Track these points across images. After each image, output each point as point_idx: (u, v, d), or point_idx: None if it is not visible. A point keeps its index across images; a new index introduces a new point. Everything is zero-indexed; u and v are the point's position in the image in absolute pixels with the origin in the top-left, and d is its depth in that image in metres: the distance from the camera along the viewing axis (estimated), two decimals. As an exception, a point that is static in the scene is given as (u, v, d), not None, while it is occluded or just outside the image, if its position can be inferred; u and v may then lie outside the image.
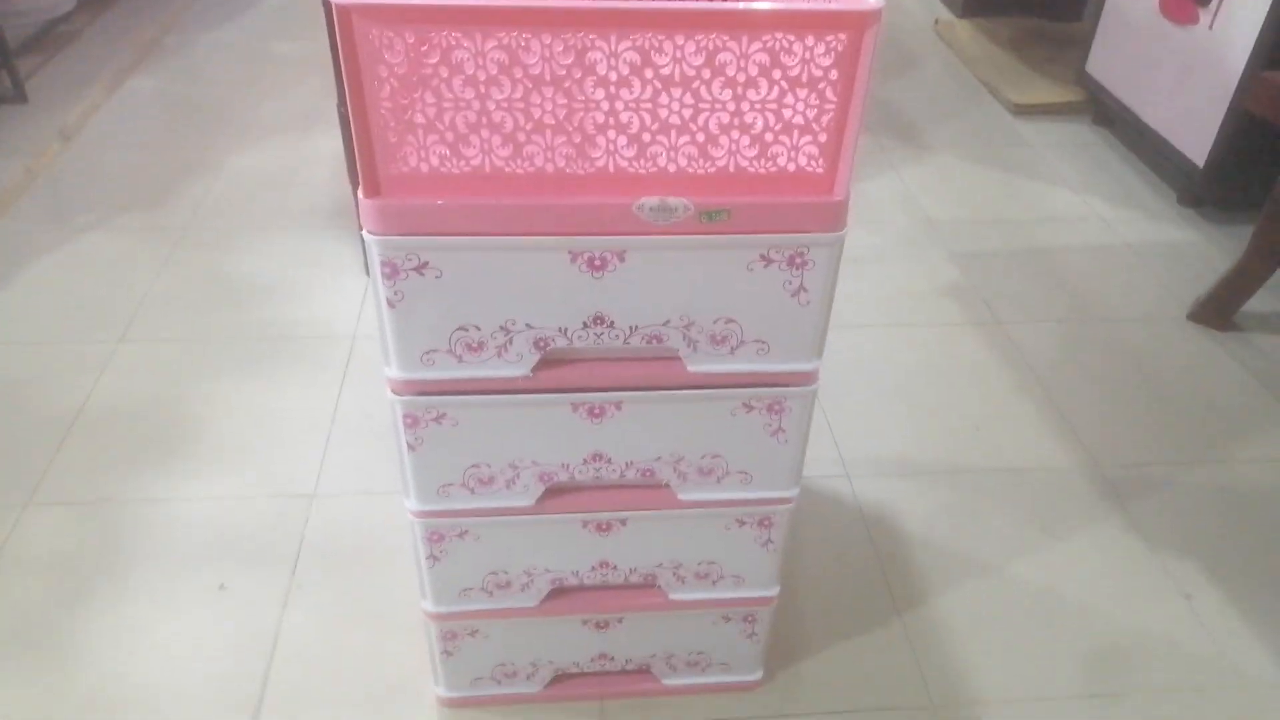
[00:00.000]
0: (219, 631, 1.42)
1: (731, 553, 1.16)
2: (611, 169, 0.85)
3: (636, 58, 0.80)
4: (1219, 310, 2.10)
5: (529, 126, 0.82)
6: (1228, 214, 2.51)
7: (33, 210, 2.39)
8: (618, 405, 1.01)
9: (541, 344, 0.95)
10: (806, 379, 1.01)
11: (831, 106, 0.83)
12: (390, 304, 0.92)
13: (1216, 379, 1.97)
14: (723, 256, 0.91)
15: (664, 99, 0.82)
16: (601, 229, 0.88)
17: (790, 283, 0.93)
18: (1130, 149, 2.85)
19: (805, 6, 0.85)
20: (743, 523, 1.13)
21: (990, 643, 1.44)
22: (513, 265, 0.90)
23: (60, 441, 1.72)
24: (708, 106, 0.83)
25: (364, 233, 0.88)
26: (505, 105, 0.81)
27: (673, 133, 0.84)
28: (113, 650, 1.39)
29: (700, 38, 0.79)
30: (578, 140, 0.84)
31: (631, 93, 0.81)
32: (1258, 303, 2.10)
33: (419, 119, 0.81)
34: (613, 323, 0.94)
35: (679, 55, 0.80)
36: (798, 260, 0.92)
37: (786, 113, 0.84)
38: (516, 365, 0.96)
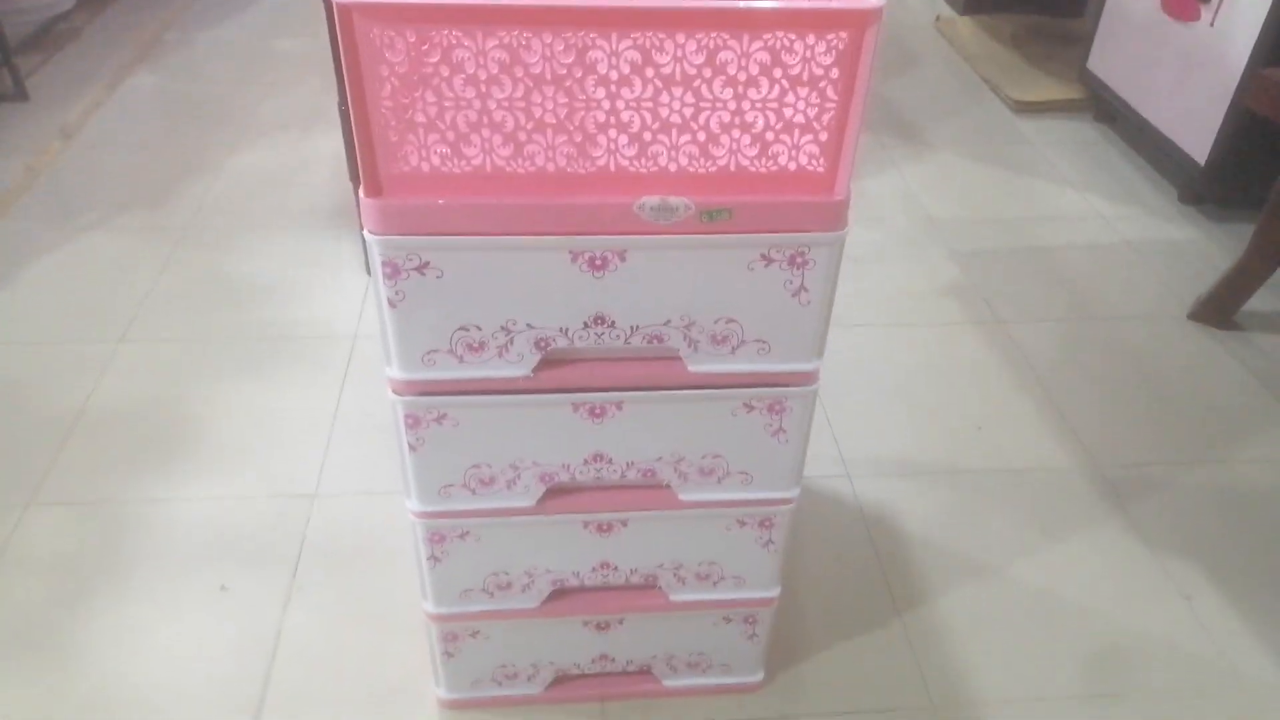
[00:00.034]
0: (220, 632, 1.42)
1: (732, 553, 1.16)
2: (612, 168, 0.85)
3: (637, 56, 0.79)
4: (1220, 309, 2.10)
5: (530, 126, 0.82)
6: (1229, 212, 2.51)
7: (34, 209, 2.39)
8: (618, 405, 1.00)
9: (542, 344, 0.95)
10: (807, 379, 1.01)
11: (832, 105, 0.83)
12: (391, 304, 0.91)
13: (1217, 379, 1.97)
14: (723, 256, 0.91)
15: (665, 98, 0.82)
16: (602, 228, 0.88)
17: (791, 282, 0.93)
18: (1131, 146, 2.84)
19: (806, 5, 0.85)
20: (743, 523, 1.13)
21: (990, 643, 1.44)
22: (514, 265, 0.90)
23: (61, 442, 1.72)
24: (709, 105, 0.83)
25: (365, 232, 0.88)
26: (506, 104, 0.81)
27: (674, 132, 0.84)
28: (114, 651, 1.39)
29: (701, 36, 0.79)
30: (579, 139, 0.83)
31: (632, 92, 0.81)
32: (1259, 302, 2.10)
33: (420, 118, 0.81)
34: (613, 323, 0.94)
35: (680, 54, 0.80)
36: (798, 260, 0.92)
37: (787, 111, 0.84)
38: (517, 365, 0.96)
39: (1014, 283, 2.24)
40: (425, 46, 0.78)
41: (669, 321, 0.95)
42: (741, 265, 0.91)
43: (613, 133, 0.83)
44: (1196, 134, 2.42)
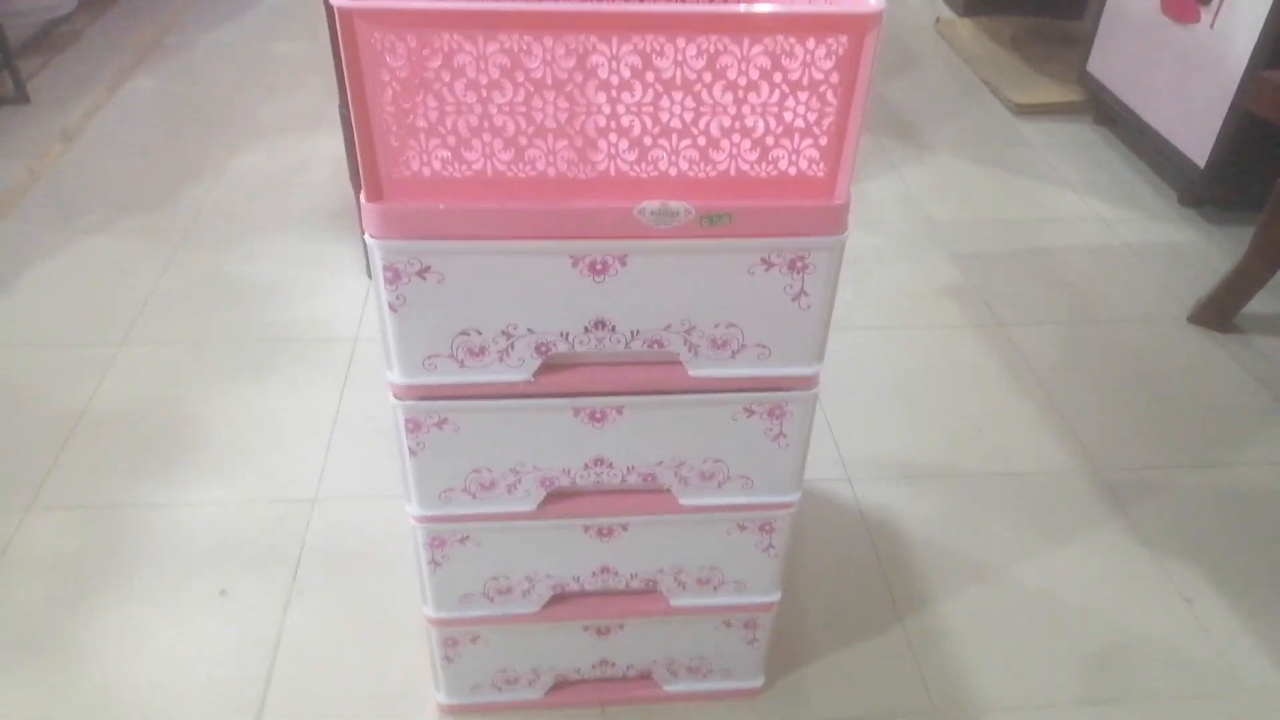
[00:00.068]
0: (221, 635, 1.42)
1: (733, 558, 1.16)
2: (613, 173, 0.85)
3: (638, 61, 0.79)
4: (1220, 312, 2.10)
5: (531, 130, 0.82)
6: (1229, 214, 2.51)
7: (34, 212, 2.39)
8: (619, 410, 1.00)
9: (543, 348, 0.95)
10: (807, 383, 1.01)
11: (832, 109, 0.83)
12: (392, 308, 0.91)
13: (1217, 381, 1.97)
14: (724, 260, 0.91)
15: (665, 102, 0.82)
16: (603, 233, 0.88)
17: (791, 286, 0.93)
18: (1131, 149, 2.85)
19: (806, 9, 0.85)
20: (744, 528, 1.13)
21: (991, 646, 1.44)
22: (514, 269, 0.90)
23: (62, 444, 1.72)
24: (709, 110, 0.83)
25: (366, 237, 0.88)
26: (507, 109, 0.81)
27: (674, 136, 0.84)
28: (115, 653, 1.39)
29: (701, 41, 0.79)
30: (579, 144, 0.83)
31: (633, 96, 0.81)
32: (1259, 304, 2.10)
33: (421, 123, 0.81)
34: (614, 327, 0.94)
35: (680, 58, 0.79)
36: (799, 264, 0.92)
37: (787, 116, 0.83)
38: (518, 370, 0.96)
39: (1014, 285, 2.24)
40: (426, 51, 0.78)
41: (669, 326, 0.95)
42: (742, 269, 0.91)
43: (613, 137, 0.83)
44: (1196, 136, 2.43)
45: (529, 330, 0.94)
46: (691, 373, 0.98)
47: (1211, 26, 2.36)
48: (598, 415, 1.01)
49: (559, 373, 0.97)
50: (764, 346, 0.97)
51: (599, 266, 0.90)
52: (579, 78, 0.80)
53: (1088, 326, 2.12)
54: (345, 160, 2.13)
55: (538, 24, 0.77)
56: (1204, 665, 1.42)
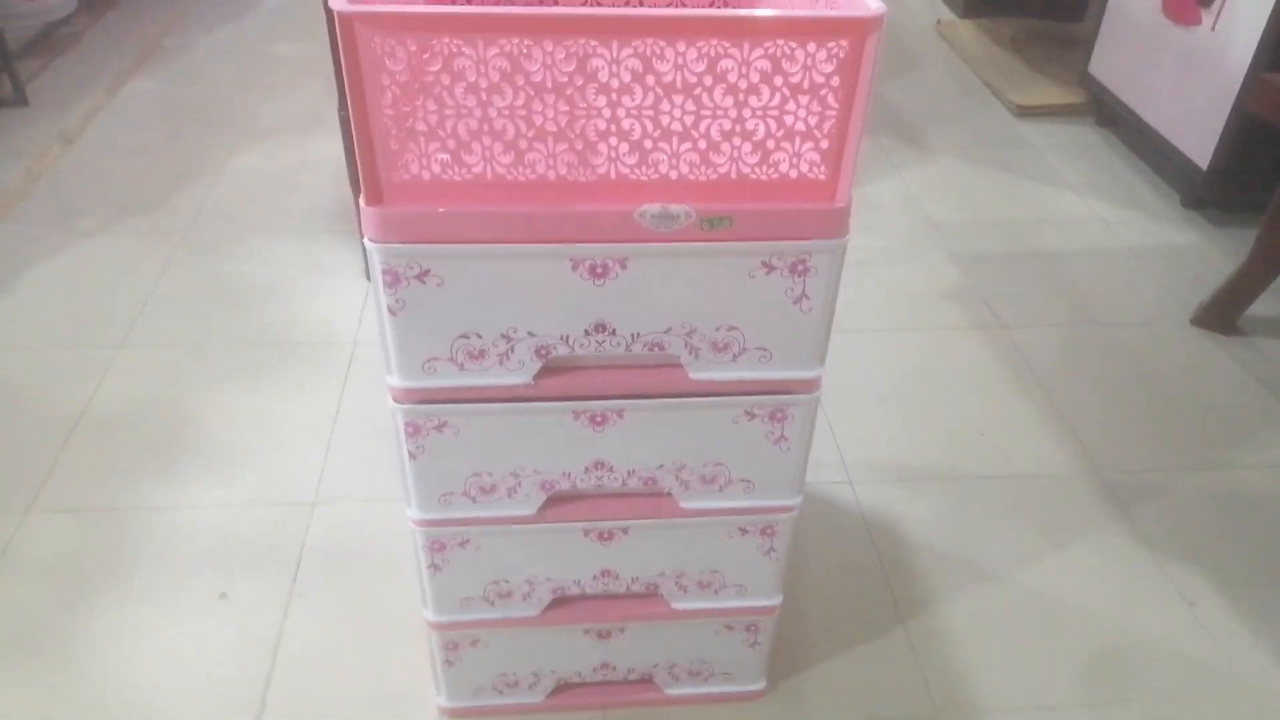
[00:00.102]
0: (221, 637, 1.42)
1: (734, 562, 1.16)
2: (613, 176, 0.85)
3: (638, 65, 0.79)
4: (1222, 314, 2.09)
5: (531, 134, 0.82)
6: (1231, 216, 2.51)
7: (34, 214, 2.39)
8: (619, 413, 1.00)
9: (543, 352, 0.95)
10: (809, 386, 1.00)
11: (833, 113, 0.83)
12: (392, 312, 0.91)
13: (1220, 383, 1.96)
14: (724, 264, 0.91)
15: (666, 106, 0.82)
16: (603, 236, 0.87)
17: (792, 290, 0.93)
18: (1133, 150, 2.84)
19: (807, 13, 0.85)
20: (745, 531, 1.13)
21: (993, 649, 1.44)
22: (514, 273, 0.89)
23: (62, 446, 1.71)
24: (709, 113, 0.82)
25: (365, 240, 0.88)
26: (507, 112, 0.81)
27: (674, 140, 0.84)
28: (115, 655, 1.38)
29: (702, 44, 0.79)
30: (579, 147, 0.83)
31: (633, 100, 0.81)
32: (1261, 306, 2.09)
33: (421, 126, 0.81)
34: (614, 330, 0.94)
35: (681, 62, 0.79)
36: (800, 267, 0.91)
37: (788, 119, 0.83)
38: (518, 373, 0.96)
39: (1015, 287, 2.24)
40: (426, 55, 0.77)
41: (670, 329, 0.94)
42: (742, 273, 0.91)
43: (613, 140, 0.83)
44: (1198, 138, 2.42)
45: (529, 333, 0.93)
46: (692, 376, 0.98)
47: (1213, 28, 2.36)
48: (598, 418, 1.00)
49: (559, 376, 0.97)
50: (765, 350, 0.97)
51: (599, 270, 0.89)
52: (579, 81, 0.80)
53: (1089, 328, 2.11)
54: (345, 162, 2.12)
55: (537, 28, 0.77)
56: (1206, 668, 1.42)
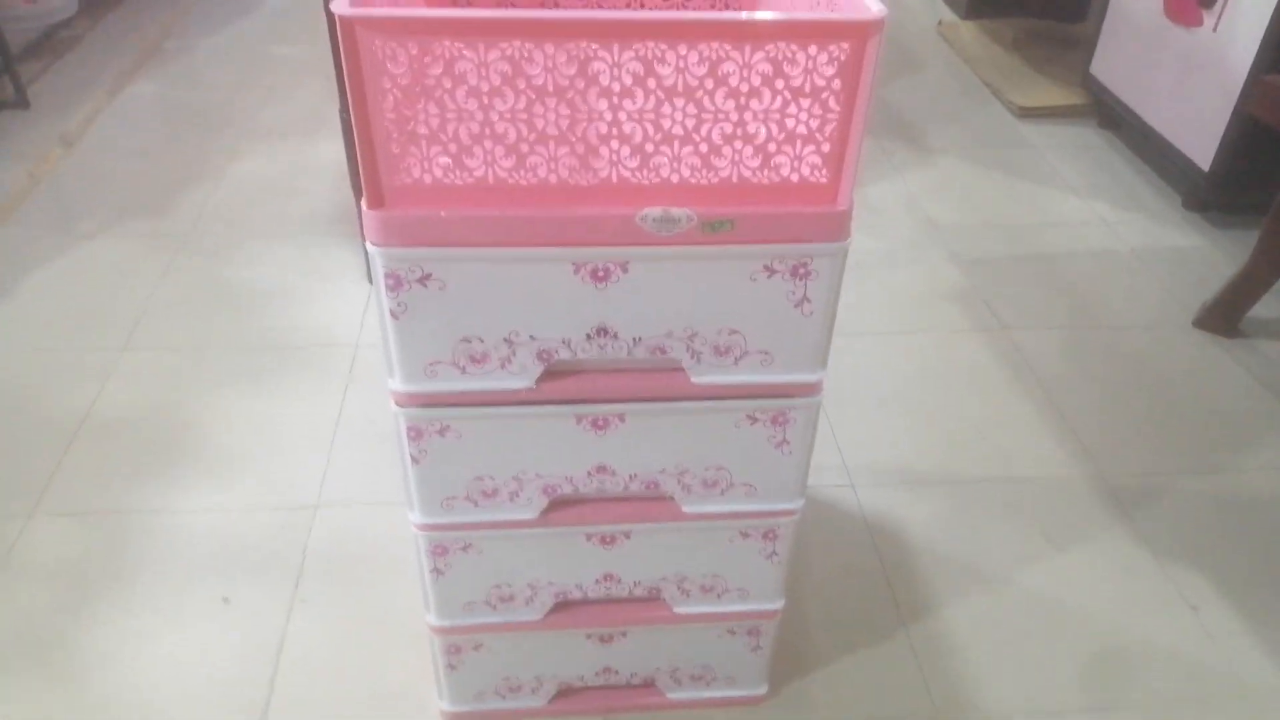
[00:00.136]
0: (224, 641, 1.42)
1: (736, 565, 1.16)
2: (614, 180, 0.85)
3: (639, 68, 0.79)
4: (1225, 316, 2.09)
5: (532, 137, 0.82)
6: (1233, 218, 2.50)
7: (35, 217, 2.39)
8: (621, 417, 1.00)
9: (545, 356, 0.95)
10: (810, 390, 1.00)
11: (834, 116, 0.83)
12: (394, 315, 0.91)
13: (1222, 386, 1.96)
14: (726, 267, 0.90)
15: (667, 109, 0.81)
16: (605, 240, 0.87)
17: (793, 293, 0.93)
18: (1135, 152, 2.84)
19: (808, 16, 0.85)
20: (747, 535, 1.13)
21: (996, 653, 1.43)
22: (516, 277, 0.89)
23: (64, 450, 1.71)
24: (710, 117, 0.82)
25: (367, 244, 0.87)
26: (508, 116, 0.81)
27: (676, 143, 0.83)
28: (118, 660, 1.38)
29: (703, 48, 0.78)
30: (581, 151, 0.83)
31: (634, 103, 0.81)
32: (1264, 308, 2.09)
33: (422, 130, 0.81)
34: (616, 334, 0.94)
35: (682, 65, 0.79)
36: (801, 271, 0.91)
37: (789, 122, 0.83)
38: (520, 377, 0.96)
39: (1017, 289, 2.23)
40: (427, 59, 0.77)
41: (671, 333, 0.94)
42: (744, 276, 0.91)
43: (615, 144, 0.83)
44: (1200, 140, 2.42)
45: (531, 337, 0.93)
46: (694, 380, 0.97)
47: (1214, 30, 2.35)
48: (600, 423, 1.00)
49: (561, 380, 0.97)
50: (766, 353, 0.97)
51: (601, 273, 0.89)
52: (580, 85, 0.79)
53: (1091, 331, 2.11)
54: (345, 164, 2.12)
55: (539, 31, 0.76)
56: (1208, 671, 1.42)
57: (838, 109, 0.82)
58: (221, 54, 3.37)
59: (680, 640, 1.25)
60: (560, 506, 1.08)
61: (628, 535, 1.11)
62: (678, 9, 1.18)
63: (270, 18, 3.66)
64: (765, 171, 0.86)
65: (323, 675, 1.38)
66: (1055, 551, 1.59)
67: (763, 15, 0.78)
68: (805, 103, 0.82)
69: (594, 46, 0.78)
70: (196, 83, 3.17)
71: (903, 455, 1.77)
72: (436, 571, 1.12)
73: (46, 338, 1.99)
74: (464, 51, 0.77)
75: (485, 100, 0.79)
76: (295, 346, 1.99)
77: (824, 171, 0.86)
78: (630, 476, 1.05)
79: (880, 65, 0.81)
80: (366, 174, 0.83)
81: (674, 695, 1.32)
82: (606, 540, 1.11)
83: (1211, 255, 2.38)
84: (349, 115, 0.81)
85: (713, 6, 1.19)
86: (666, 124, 0.82)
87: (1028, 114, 3.06)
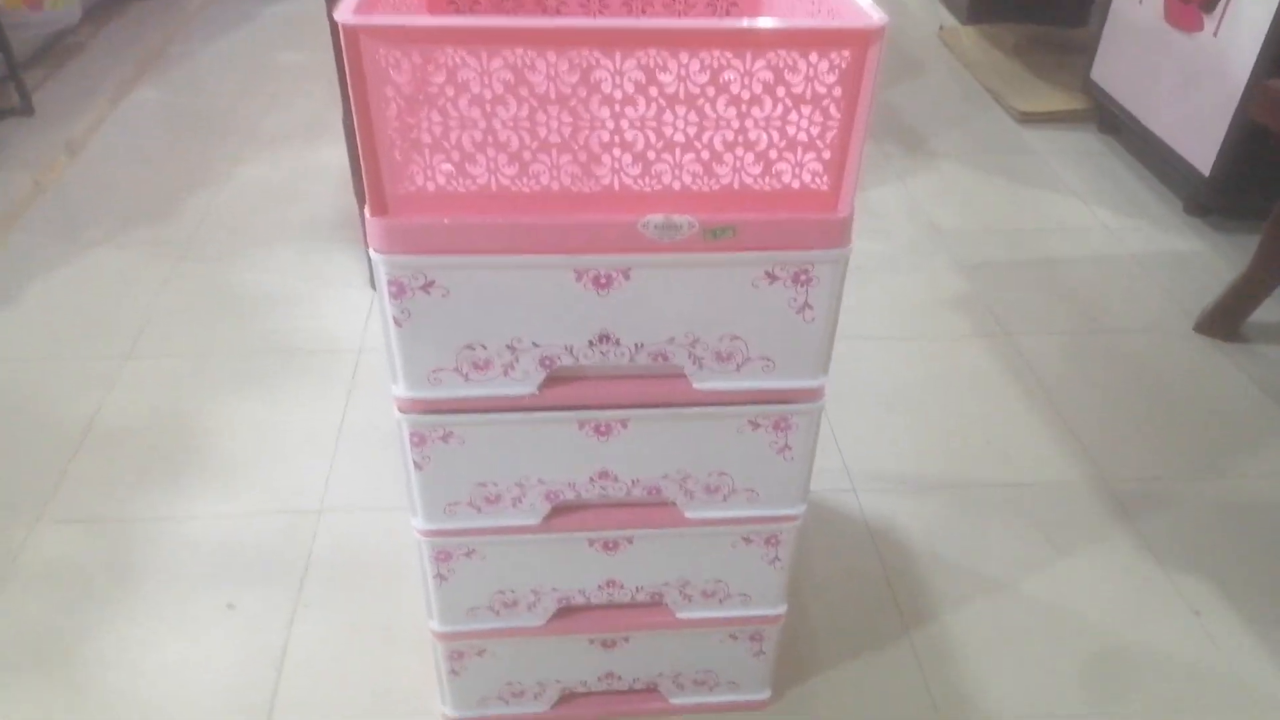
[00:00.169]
0: (228, 648, 1.42)
1: (738, 571, 1.16)
2: (617, 187, 0.85)
3: (641, 76, 0.79)
4: (1226, 321, 2.09)
5: (535, 145, 0.82)
6: (1234, 223, 2.50)
7: (40, 224, 2.40)
8: (624, 423, 1.00)
9: (548, 362, 0.95)
10: (812, 396, 1.01)
11: (835, 123, 0.83)
12: (397, 322, 0.91)
13: (1224, 391, 1.96)
14: (727, 274, 0.91)
15: (669, 117, 0.82)
16: (607, 247, 0.88)
17: (795, 299, 0.93)
18: (1136, 157, 2.84)
19: (809, 24, 0.85)
20: (749, 540, 1.13)
21: (998, 658, 1.43)
22: (519, 284, 0.90)
23: (69, 458, 1.72)
24: (712, 124, 0.83)
25: (371, 251, 0.88)
26: (511, 124, 0.81)
27: (677, 150, 0.84)
28: (123, 666, 1.39)
29: (705, 56, 0.79)
30: (583, 158, 0.83)
31: (636, 111, 0.81)
32: (1265, 313, 2.09)
33: (425, 138, 0.81)
34: (618, 340, 0.94)
35: (684, 73, 0.80)
36: (802, 277, 0.92)
37: (790, 130, 0.83)
38: (523, 383, 0.96)
39: (1019, 294, 2.24)
40: (430, 67, 0.78)
41: (674, 339, 0.95)
42: (745, 283, 0.91)
43: (617, 152, 0.83)
44: (1201, 145, 2.42)
45: (533, 344, 0.94)
46: (696, 386, 0.98)
47: (1215, 35, 2.36)
48: (602, 428, 1.01)
49: (563, 386, 0.97)
50: (768, 359, 0.97)
51: (603, 280, 0.90)
52: (583, 93, 0.80)
53: (1093, 336, 2.11)
54: (348, 170, 2.13)
55: (541, 39, 0.77)
56: (1213, 677, 1.41)
57: (839, 116, 0.83)
58: (224, 60, 3.38)
59: (683, 645, 1.25)
60: (563, 512, 1.08)
61: (630, 541, 1.11)
62: (679, 17, 1.19)
63: (272, 24, 3.67)
64: (767, 178, 0.86)
65: (326, 681, 1.38)
66: (1057, 556, 1.59)
67: (764, 23, 0.79)
68: (806, 110, 0.82)
69: (596, 55, 0.78)
70: (200, 89, 3.18)
71: (904, 459, 1.78)
72: (439, 577, 1.12)
73: (51, 345, 1.99)
74: (467, 60, 0.77)
75: (488, 108, 0.80)
76: (298, 352, 1.99)
77: (825, 178, 0.86)
78: (632, 482, 1.05)
79: (881, 71, 0.81)
80: (370, 182, 0.83)
81: (677, 700, 1.32)
82: (609, 546, 1.11)
83: (1212, 260, 2.38)
84: (352, 122, 0.81)
85: (714, 14, 1.19)
86: (668, 131, 0.83)
87: (1029, 119, 3.06)
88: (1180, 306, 2.20)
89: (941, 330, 2.11)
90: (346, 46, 0.76)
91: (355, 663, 1.40)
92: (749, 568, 1.16)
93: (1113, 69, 2.83)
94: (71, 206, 2.49)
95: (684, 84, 0.80)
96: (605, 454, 1.03)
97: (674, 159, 0.84)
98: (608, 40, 0.78)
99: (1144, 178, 2.74)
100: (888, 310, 2.17)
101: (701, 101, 0.81)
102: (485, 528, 1.07)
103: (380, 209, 0.85)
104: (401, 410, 0.98)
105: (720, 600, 1.19)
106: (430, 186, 0.84)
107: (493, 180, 0.84)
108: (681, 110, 0.81)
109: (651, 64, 0.79)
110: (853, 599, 1.52)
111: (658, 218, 0.86)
